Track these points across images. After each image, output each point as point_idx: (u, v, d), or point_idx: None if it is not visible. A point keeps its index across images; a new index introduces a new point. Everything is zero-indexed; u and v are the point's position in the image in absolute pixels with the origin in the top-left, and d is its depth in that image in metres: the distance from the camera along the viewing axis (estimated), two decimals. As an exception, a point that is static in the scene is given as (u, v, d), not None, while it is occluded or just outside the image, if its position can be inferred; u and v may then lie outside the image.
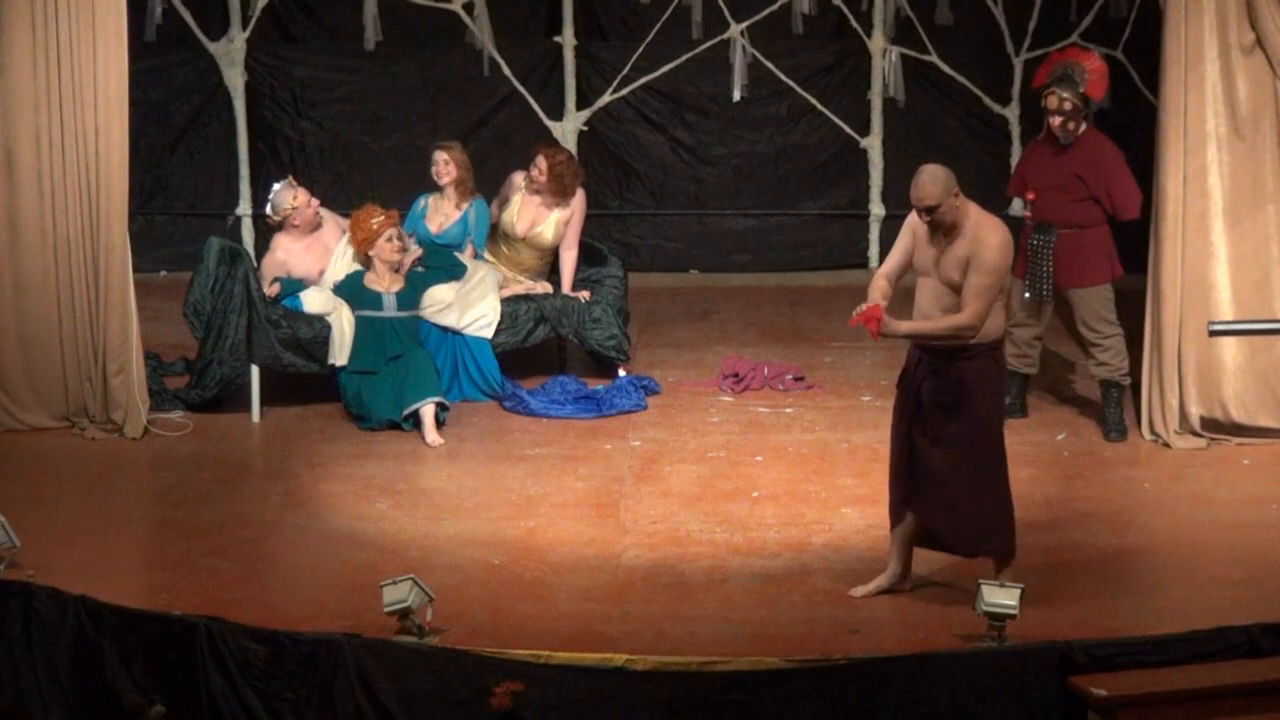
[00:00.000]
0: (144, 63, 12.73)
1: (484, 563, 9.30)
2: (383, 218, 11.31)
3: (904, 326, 8.50)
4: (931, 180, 8.42)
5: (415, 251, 11.49)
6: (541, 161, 11.70)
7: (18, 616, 8.52)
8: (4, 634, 8.53)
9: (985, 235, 8.43)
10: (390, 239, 11.28)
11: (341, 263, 11.46)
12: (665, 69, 13.93)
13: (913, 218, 8.65)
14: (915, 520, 8.79)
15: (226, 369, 11.13)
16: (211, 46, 13.82)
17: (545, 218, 11.73)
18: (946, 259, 8.49)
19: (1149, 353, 10.73)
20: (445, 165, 11.66)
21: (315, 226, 11.48)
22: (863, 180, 14.07)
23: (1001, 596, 8.22)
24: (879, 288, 8.58)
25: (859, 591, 8.88)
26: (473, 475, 10.43)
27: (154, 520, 10.09)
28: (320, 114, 14.00)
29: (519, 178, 11.81)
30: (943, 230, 8.48)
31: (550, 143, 12.47)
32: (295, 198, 11.41)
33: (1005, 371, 8.81)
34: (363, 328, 11.21)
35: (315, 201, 11.48)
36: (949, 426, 8.58)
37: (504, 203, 11.82)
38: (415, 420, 10.92)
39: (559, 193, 11.69)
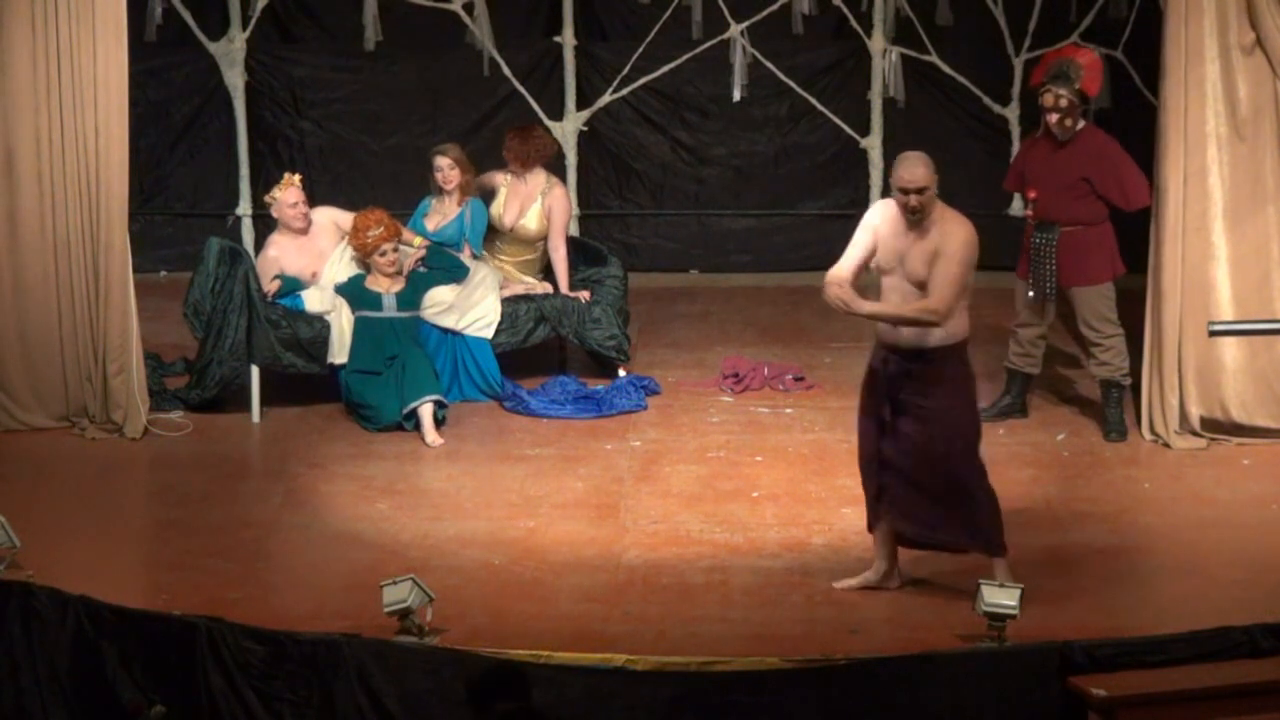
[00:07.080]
0: (144, 63, 12.75)
1: (484, 563, 9.30)
2: (380, 230, 11.23)
3: (867, 306, 8.55)
4: (923, 163, 8.51)
5: (418, 252, 11.48)
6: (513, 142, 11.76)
7: (18, 616, 8.51)
8: (4, 634, 8.52)
9: (952, 228, 8.52)
10: (384, 253, 11.25)
11: (341, 264, 11.45)
12: (665, 69, 13.92)
13: (871, 216, 8.72)
14: (891, 518, 8.81)
15: (226, 369, 11.12)
16: (211, 46, 13.81)
17: (529, 208, 11.71)
18: (913, 254, 8.54)
19: (1149, 353, 10.73)
20: (451, 171, 11.64)
21: (304, 230, 11.46)
22: (863, 180, 14.06)
23: (1001, 596, 8.21)
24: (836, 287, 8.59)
25: (842, 584, 8.89)
26: (473, 475, 10.42)
27: (154, 520, 10.10)
28: (320, 114, 13.99)
29: (498, 176, 11.83)
30: (918, 218, 8.50)
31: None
32: (283, 188, 11.40)
33: (972, 370, 8.81)
34: (362, 328, 11.20)
35: (303, 209, 11.42)
36: (920, 425, 8.60)
37: (489, 196, 11.81)
38: (416, 420, 10.92)
39: (526, 160, 11.71)
